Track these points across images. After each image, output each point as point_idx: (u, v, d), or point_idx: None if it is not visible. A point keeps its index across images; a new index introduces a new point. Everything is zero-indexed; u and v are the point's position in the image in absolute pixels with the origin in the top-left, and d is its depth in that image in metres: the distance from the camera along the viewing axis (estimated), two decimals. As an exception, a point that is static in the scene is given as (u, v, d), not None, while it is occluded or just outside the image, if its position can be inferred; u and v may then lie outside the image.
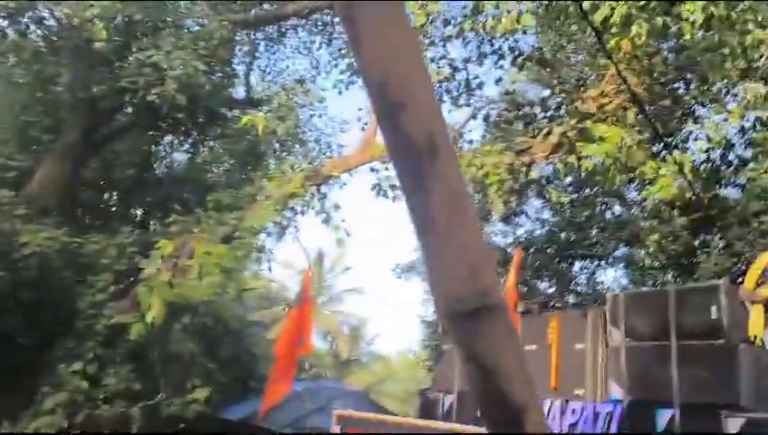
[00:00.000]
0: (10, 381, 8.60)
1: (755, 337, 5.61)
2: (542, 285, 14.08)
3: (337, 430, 5.92)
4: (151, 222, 9.68)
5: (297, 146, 11.26)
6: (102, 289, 8.27)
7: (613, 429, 5.87)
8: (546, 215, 15.02)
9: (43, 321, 8.41)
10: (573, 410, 6.21)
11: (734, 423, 5.30)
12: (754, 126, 9.77)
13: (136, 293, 7.91)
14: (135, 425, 7.98)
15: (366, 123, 9.12)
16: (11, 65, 9.46)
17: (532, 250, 13.75)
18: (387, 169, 8.84)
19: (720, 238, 10.02)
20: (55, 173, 9.35)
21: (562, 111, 8.05)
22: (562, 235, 13.68)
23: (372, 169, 8.84)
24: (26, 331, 8.37)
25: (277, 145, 10.89)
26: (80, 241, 8.58)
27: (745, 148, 10.43)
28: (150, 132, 10.41)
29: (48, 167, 9.33)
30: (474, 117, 9.13)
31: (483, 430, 5.10)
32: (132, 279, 8.33)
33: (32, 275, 8.19)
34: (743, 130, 10.01)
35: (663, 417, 5.73)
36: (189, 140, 11.05)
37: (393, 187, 9.07)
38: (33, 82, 9.55)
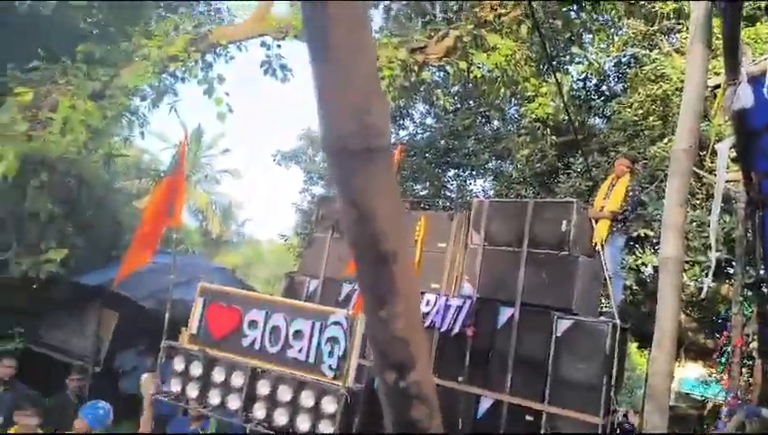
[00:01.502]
0: None
1: (596, 243, 6.33)
2: (417, 187, 14.61)
3: (200, 301, 5.95)
4: (9, 65, 8.67)
5: (183, 7, 10.41)
6: (-54, 134, 7.46)
7: (461, 320, 6.42)
8: (429, 121, 15.37)
9: None
10: (428, 302, 6.69)
11: (562, 324, 6.01)
12: (629, 62, 10.41)
13: (-14, 141, 7.23)
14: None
15: (262, -6, 8.59)
16: None
17: (412, 153, 14.11)
18: (279, 46, 8.51)
19: (581, 162, 10.81)
20: None
21: (461, 16, 8.06)
22: (442, 142, 14.12)
23: (263, 45, 8.45)
24: None
25: (161, 2, 9.99)
26: None
27: (617, 81, 11.13)
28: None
29: None
30: (375, 6, 8.89)
31: (340, 310, 5.36)
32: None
33: None
34: (619, 64, 10.63)
35: (504, 314, 6.36)
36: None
37: (283, 67, 8.79)
38: None
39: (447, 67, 7.80)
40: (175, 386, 5.46)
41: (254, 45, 8.63)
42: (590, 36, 8.70)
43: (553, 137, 10.56)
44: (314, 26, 0.90)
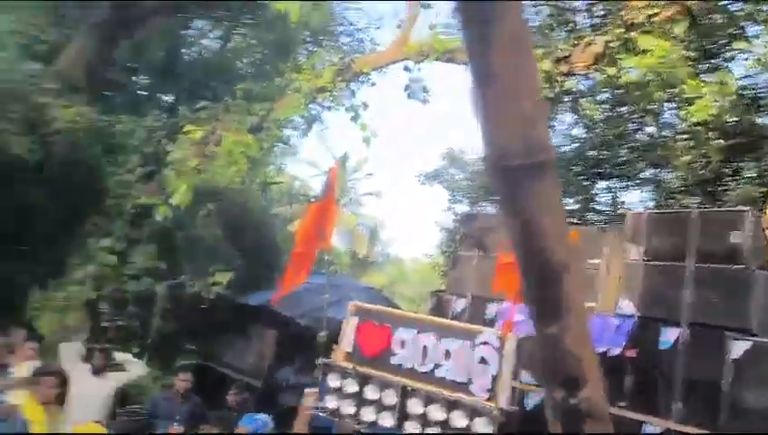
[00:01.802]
0: (40, 251, 9.01)
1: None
2: (565, 201, 14.06)
3: (352, 320, 6.13)
4: (180, 107, 9.68)
5: (329, 40, 11.00)
6: (131, 170, 8.45)
7: (621, 341, 6.02)
8: (576, 132, 14.77)
9: (72, 197, 8.67)
10: (583, 321, 6.37)
11: (739, 346, 5.40)
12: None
13: (163, 176, 8.07)
14: (159, 302, 8.37)
15: (402, 21, 8.83)
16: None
17: (559, 166, 13.63)
18: (420, 69, 8.67)
19: (752, 168, 9.80)
20: (85, 50, 9.28)
21: (608, 21, 7.70)
22: (591, 152, 13.50)
23: (406, 69, 8.67)
24: (54, 204, 8.66)
25: (309, 37, 10.65)
26: (109, 120, 8.68)
27: (791, 76, 9.99)
28: (182, 15, 10.22)
29: (79, 43, 9.26)
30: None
31: (488, 330, 5.25)
32: (160, 162, 8.48)
33: (60, 150, 8.35)
34: (792, 57, 9.53)
35: (668, 334, 5.86)
36: (222, 27, 10.85)
37: (425, 89, 8.93)
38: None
39: (595, 75, 7.48)
40: (330, 402, 5.66)
41: (393, 69, 8.89)
42: (758, 28, 7.90)
43: (720, 140, 9.68)
44: (476, 52, 0.90)
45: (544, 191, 0.95)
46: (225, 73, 10.68)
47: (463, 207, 18.27)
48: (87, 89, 9.01)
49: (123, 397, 6.99)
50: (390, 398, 5.22)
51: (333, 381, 5.72)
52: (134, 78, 11.17)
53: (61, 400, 5.39)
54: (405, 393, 5.12)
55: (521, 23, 0.91)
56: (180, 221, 8.31)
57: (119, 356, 7.21)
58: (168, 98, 11.23)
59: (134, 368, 7.18)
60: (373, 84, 9.56)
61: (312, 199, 17.07)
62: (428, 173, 20.56)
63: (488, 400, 4.76)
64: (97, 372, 6.70)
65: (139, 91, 11.23)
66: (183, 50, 11.08)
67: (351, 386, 5.53)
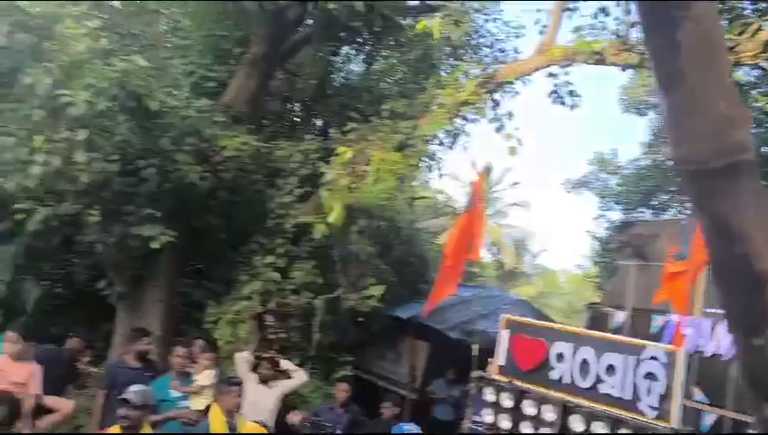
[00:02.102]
0: (212, 271, 9.90)
1: None
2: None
3: (505, 333, 6.07)
4: (330, 130, 10.22)
5: (470, 52, 11.06)
6: (289, 192, 9.06)
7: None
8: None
9: (239, 219, 9.45)
10: None
11: None
12: None
13: (319, 196, 8.55)
14: (318, 314, 8.84)
15: (545, 26, 8.65)
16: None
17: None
18: (566, 73, 8.43)
19: None
20: (246, 84, 10.10)
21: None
22: (764, 149, 12.22)
23: (551, 75, 8.47)
24: (224, 227, 9.48)
25: (450, 52, 10.78)
26: (269, 147, 9.38)
27: None
28: (329, 44, 10.83)
29: (240, 78, 10.11)
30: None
31: (655, 344, 4.92)
32: (316, 183, 8.99)
33: (229, 177, 9.14)
34: None
35: None
36: (365, 50, 11.32)
37: (572, 93, 8.65)
38: (224, -5, 10.18)
39: (765, 63, 6.80)
40: (487, 416, 5.62)
41: (537, 76, 8.71)
42: None
43: None
44: (662, 55, 0.88)
45: (746, 193, 0.89)
46: (371, 95, 11.10)
47: (615, 215, 17.35)
48: (249, 119, 9.81)
49: (287, 404, 7.46)
50: (550, 414, 5.09)
51: (489, 395, 5.69)
52: (289, 105, 11.96)
53: (240, 407, 5.86)
54: (565, 409, 4.96)
55: (714, 22, 0.87)
56: (335, 238, 8.74)
57: (284, 364, 7.69)
58: (320, 122, 11.88)
59: (297, 376, 7.59)
60: (517, 93, 9.45)
61: (458, 212, 17.12)
62: (576, 180, 19.82)
63: (657, 418, 4.47)
64: (265, 380, 7.20)
65: (294, 118, 12.00)
66: (332, 75, 11.68)
67: (508, 400, 5.46)
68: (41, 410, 5.13)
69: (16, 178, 7.60)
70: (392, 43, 10.96)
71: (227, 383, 5.99)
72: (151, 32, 10.16)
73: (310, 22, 10.28)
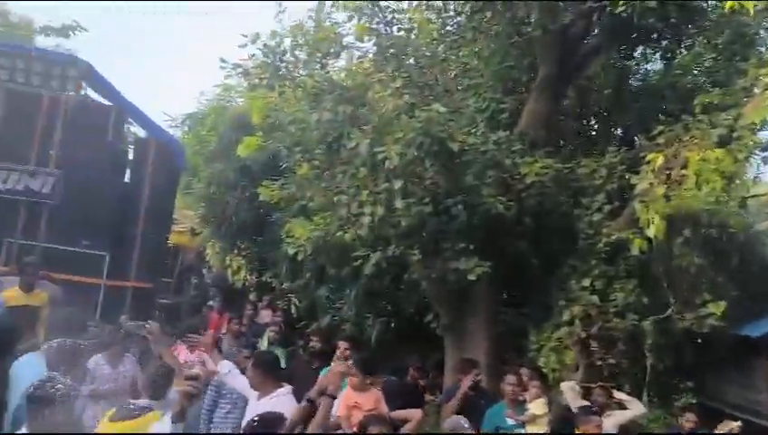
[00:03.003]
0: (528, 298, 9.91)
1: None
2: None
3: None
4: (634, 138, 9.52)
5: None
6: (598, 209, 8.64)
7: None
8: None
9: (548, 244, 9.33)
10: None
11: None
12: None
13: (631, 210, 7.98)
14: (647, 338, 8.15)
15: None
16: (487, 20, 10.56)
17: None
18: None
19: None
20: (538, 108, 10.08)
21: None
22: None
23: None
24: (535, 253, 9.46)
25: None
26: (570, 166, 9.13)
27: None
28: (621, 48, 10.21)
29: (531, 104, 10.13)
30: None
31: None
32: (625, 197, 8.43)
33: (532, 203, 9.14)
34: None
35: None
36: (662, 46, 10.38)
37: None
38: (507, 28, 10.36)
39: None
40: None
41: None
42: None
43: None
44: None
45: None
46: (676, 92, 10.08)
47: None
48: (546, 143, 9.73)
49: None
50: None
51: None
52: (584, 122, 11.54)
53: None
54: None
55: None
56: (657, 253, 8.02)
57: (617, 395, 7.25)
58: (620, 131, 11.19)
59: (633, 407, 7.11)
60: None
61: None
62: None
63: None
64: (599, 411, 6.84)
65: (591, 133, 11.54)
66: (628, 80, 10.97)
67: None
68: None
69: (351, 230, 8.73)
70: (694, 31, 9.83)
71: (585, 413, 5.94)
72: (444, 79, 10.88)
73: (596, 31, 9.85)
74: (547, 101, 10.03)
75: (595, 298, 8.27)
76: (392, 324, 11.16)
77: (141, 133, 15.08)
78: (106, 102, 12.71)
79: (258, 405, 5.34)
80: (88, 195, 11.56)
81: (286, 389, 5.55)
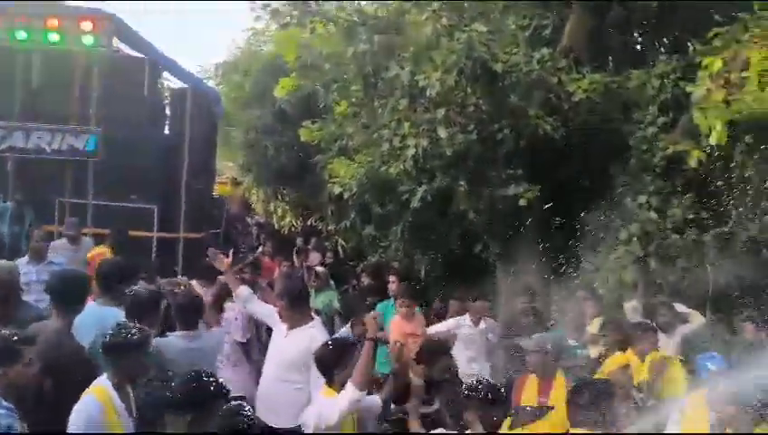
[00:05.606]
0: (581, 220, 9.64)
1: None
2: None
3: None
4: (687, 44, 8.94)
5: None
6: (651, 123, 8.24)
7: None
8: None
9: (599, 163, 9.00)
10: None
11: None
12: None
13: (688, 119, 7.56)
14: (709, 252, 7.88)
15: None
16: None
17: None
18: None
19: None
20: (581, 23, 9.56)
21: None
22: None
23: None
24: (584, 174, 9.16)
25: None
26: (619, 80, 8.68)
27: None
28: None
29: (574, 19, 9.60)
30: None
31: None
32: (681, 107, 7.99)
33: (579, 120, 8.79)
34: None
35: None
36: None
37: None
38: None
39: None
40: None
41: None
42: None
43: None
44: None
45: None
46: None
47: None
48: (592, 58, 9.26)
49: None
50: None
51: None
52: (631, 33, 10.90)
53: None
54: None
55: None
56: (716, 163, 7.66)
57: (678, 307, 7.16)
58: (669, 40, 10.55)
59: (694, 319, 7.11)
60: None
61: None
62: None
63: None
64: (663, 328, 6.72)
65: (638, 44, 10.92)
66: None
67: None
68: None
69: (395, 165, 8.59)
70: None
71: (641, 328, 5.94)
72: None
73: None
74: (590, 15, 9.49)
75: (652, 214, 7.98)
76: (440, 259, 11.11)
77: (176, 85, 15.01)
78: (139, 55, 12.61)
79: (289, 336, 5.41)
80: (130, 150, 11.62)
81: (317, 320, 5.69)
